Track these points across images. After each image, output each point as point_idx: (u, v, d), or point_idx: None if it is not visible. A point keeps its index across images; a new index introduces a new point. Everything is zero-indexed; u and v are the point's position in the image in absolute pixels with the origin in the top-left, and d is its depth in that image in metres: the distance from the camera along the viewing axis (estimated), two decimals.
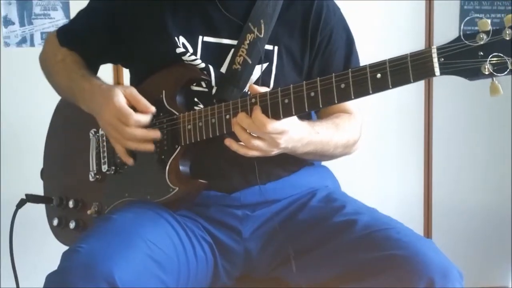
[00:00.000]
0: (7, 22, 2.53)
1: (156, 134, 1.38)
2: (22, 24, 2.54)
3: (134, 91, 1.38)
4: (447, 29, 2.69)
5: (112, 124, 1.36)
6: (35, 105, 2.51)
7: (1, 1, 2.51)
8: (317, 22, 1.46)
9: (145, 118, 1.37)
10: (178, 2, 1.44)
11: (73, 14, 2.49)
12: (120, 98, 1.35)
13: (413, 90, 2.69)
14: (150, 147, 1.38)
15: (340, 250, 1.30)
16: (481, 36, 1.07)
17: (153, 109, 1.38)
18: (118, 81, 2.49)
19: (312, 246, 1.36)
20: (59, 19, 2.55)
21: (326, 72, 1.26)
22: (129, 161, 1.42)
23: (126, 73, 2.43)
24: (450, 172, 2.79)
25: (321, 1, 1.48)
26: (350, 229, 1.32)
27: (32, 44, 2.55)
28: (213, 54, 1.43)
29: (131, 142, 1.37)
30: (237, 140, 1.37)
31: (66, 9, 2.55)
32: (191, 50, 1.42)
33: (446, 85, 2.71)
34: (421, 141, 2.77)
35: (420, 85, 2.71)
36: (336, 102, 1.22)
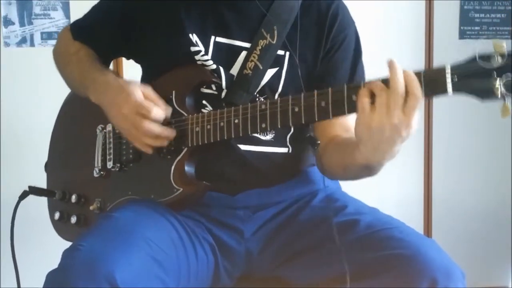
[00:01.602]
0: (7, 22, 2.53)
1: (172, 132, 1.37)
2: (22, 24, 2.54)
3: (151, 91, 1.37)
4: (447, 29, 2.70)
5: (129, 118, 1.35)
6: (35, 105, 2.51)
7: (1, 1, 2.51)
8: (331, 29, 1.45)
9: (163, 115, 1.36)
10: (193, 1, 1.45)
11: (73, 13, 2.52)
12: (139, 93, 1.35)
13: None
14: (164, 143, 1.38)
15: (342, 250, 1.30)
16: (497, 58, 1.08)
17: (169, 110, 1.38)
18: None
19: (314, 246, 1.36)
20: (59, 19, 2.55)
21: (326, 78, 1.25)
22: (149, 150, 1.39)
23: (126, 71, 2.45)
24: (450, 172, 2.79)
25: (337, 10, 1.48)
26: (352, 229, 1.32)
27: (32, 44, 2.55)
28: (224, 55, 1.43)
29: (147, 137, 1.37)
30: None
31: (66, 9, 2.54)
32: (202, 49, 1.42)
33: None
34: (421, 141, 2.77)
35: None
36: (346, 112, 1.20)
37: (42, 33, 2.54)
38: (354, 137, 1.22)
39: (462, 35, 2.70)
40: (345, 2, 1.54)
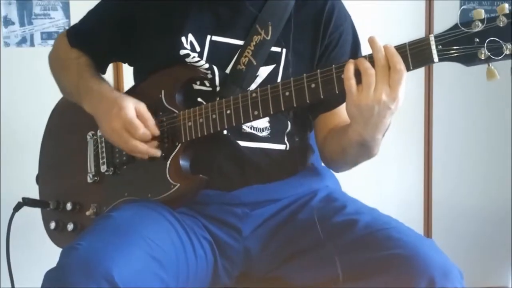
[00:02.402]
0: (7, 22, 2.53)
1: (156, 153, 1.39)
2: (22, 24, 2.54)
3: (144, 108, 1.39)
4: None
5: (118, 133, 1.38)
6: (35, 105, 2.50)
7: (1, 1, 2.51)
8: (327, 25, 1.47)
9: (149, 137, 1.38)
10: (190, 1, 1.45)
11: (73, 14, 2.52)
12: (131, 111, 1.37)
13: (413, 90, 2.69)
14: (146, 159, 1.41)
15: (341, 249, 1.30)
16: (477, 23, 1.14)
17: (157, 132, 1.39)
18: (118, 80, 2.48)
19: (313, 246, 1.36)
20: (59, 19, 2.55)
21: None
22: (145, 156, 1.41)
23: (126, 73, 2.45)
24: (450, 172, 2.79)
25: (332, 5, 1.49)
26: (351, 229, 1.32)
27: (32, 44, 2.55)
28: (220, 54, 1.44)
29: (133, 153, 1.40)
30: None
31: (66, 9, 2.54)
32: (198, 48, 1.43)
33: (446, 84, 2.71)
34: (421, 141, 2.77)
35: (420, 84, 2.71)
36: (336, 92, 1.25)
37: (42, 33, 2.55)
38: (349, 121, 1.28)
39: None
40: (346, 2, 1.55)
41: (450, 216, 2.79)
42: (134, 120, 1.36)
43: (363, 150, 1.35)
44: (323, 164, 1.57)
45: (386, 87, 1.20)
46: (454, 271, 1.21)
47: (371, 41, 1.22)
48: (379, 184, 2.73)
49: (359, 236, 1.30)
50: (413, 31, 2.71)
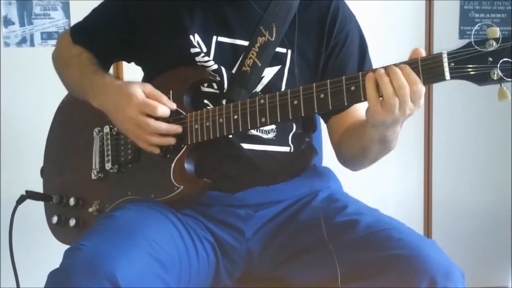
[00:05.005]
0: (7, 22, 2.52)
1: (178, 128, 1.38)
2: (22, 24, 2.54)
3: (152, 87, 1.38)
4: (447, 29, 2.70)
5: (134, 119, 1.36)
6: (35, 105, 2.51)
7: (1, 1, 2.51)
8: (333, 26, 1.47)
9: (168, 111, 1.37)
10: (195, 1, 1.45)
11: (73, 14, 2.52)
12: (141, 92, 1.36)
13: None
14: (172, 141, 1.38)
15: (342, 250, 1.30)
16: (491, 42, 1.12)
17: (174, 105, 1.39)
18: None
19: (314, 246, 1.36)
20: (59, 19, 2.55)
21: (336, 75, 1.27)
22: (156, 150, 1.40)
23: (126, 72, 2.45)
24: (450, 172, 2.79)
25: (337, 6, 1.49)
26: (352, 229, 1.32)
27: (32, 44, 2.55)
28: (226, 54, 1.44)
29: (154, 137, 1.37)
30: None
31: (66, 9, 2.54)
32: (205, 49, 1.43)
33: (446, 85, 2.69)
34: (421, 141, 2.77)
35: None
36: (345, 104, 1.24)
37: (42, 33, 2.54)
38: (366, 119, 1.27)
39: (462, 35, 2.70)
40: (347, 3, 1.54)
41: (450, 216, 2.80)
42: (147, 100, 1.35)
43: (384, 146, 1.35)
44: (324, 165, 1.58)
45: (410, 104, 1.19)
46: (455, 271, 1.21)
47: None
48: (379, 184, 2.73)
49: (360, 237, 1.30)
50: (413, 31, 2.71)
